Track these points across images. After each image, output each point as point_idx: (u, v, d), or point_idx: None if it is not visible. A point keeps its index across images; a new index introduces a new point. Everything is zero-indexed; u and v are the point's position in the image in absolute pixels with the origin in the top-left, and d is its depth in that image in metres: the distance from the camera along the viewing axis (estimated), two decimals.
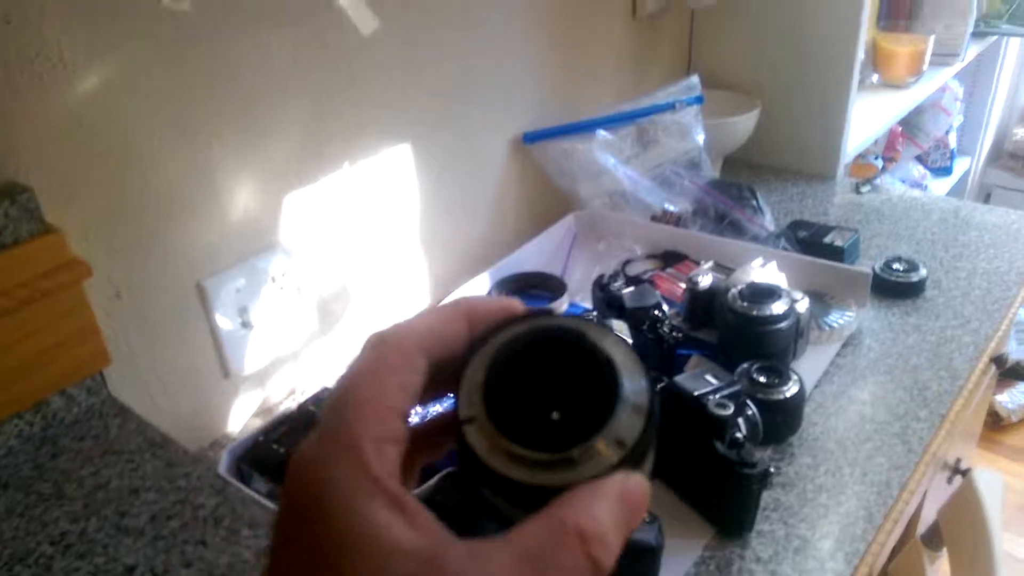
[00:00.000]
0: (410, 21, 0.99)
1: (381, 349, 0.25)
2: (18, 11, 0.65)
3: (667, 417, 0.78)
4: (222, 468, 0.73)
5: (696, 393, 0.75)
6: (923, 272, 1.11)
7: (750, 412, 0.79)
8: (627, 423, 0.24)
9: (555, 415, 0.24)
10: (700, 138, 1.31)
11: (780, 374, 0.85)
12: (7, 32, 0.65)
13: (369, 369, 0.24)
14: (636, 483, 0.23)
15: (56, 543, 0.59)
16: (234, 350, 0.87)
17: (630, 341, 0.26)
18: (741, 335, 0.90)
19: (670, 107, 1.29)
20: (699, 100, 1.31)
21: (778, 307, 0.89)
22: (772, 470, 0.76)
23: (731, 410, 0.74)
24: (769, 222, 1.21)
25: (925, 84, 1.87)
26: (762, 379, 0.84)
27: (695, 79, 1.32)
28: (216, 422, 0.90)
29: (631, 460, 0.24)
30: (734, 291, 0.92)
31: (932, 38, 1.82)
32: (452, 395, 0.25)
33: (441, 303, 0.28)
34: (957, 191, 2.43)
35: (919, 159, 2.33)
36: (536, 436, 0.24)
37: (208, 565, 0.58)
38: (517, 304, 0.27)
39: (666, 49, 1.50)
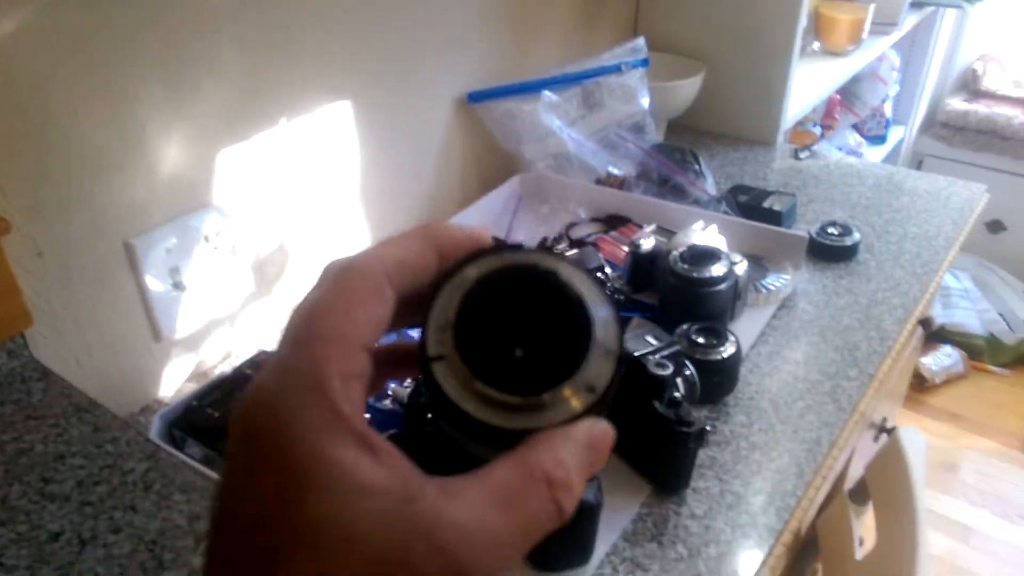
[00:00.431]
0: None
1: (347, 279, 0.23)
2: None
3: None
4: (153, 433, 0.71)
5: (636, 354, 0.76)
6: (857, 236, 1.14)
7: (688, 372, 0.80)
8: (597, 368, 0.24)
9: (527, 357, 0.24)
10: (645, 101, 1.31)
11: (718, 335, 0.86)
12: None
13: (335, 300, 0.23)
14: (602, 430, 0.23)
15: None
16: (165, 312, 0.85)
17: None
18: (681, 297, 0.92)
19: (616, 69, 1.28)
20: (645, 63, 1.30)
21: (717, 269, 0.91)
22: (708, 428, 0.78)
23: (670, 370, 0.75)
24: (711, 186, 1.22)
25: (864, 52, 1.90)
26: (700, 340, 0.85)
27: (641, 41, 1.31)
28: (146, 387, 0.87)
29: (599, 406, 0.23)
30: (675, 254, 0.93)
31: (872, 7, 1.86)
32: (418, 328, 0.25)
33: (405, 229, 0.25)
34: (891, 159, 2.49)
35: (855, 127, 2.39)
36: (508, 378, 0.23)
37: (138, 530, 0.57)
38: (486, 234, 0.26)
39: (613, 11, 1.48)
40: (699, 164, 1.24)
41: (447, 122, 1.20)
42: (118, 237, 0.79)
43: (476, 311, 0.24)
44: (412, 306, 0.25)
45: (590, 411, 0.23)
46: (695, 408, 0.78)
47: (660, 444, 0.76)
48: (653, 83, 1.33)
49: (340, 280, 0.23)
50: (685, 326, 0.87)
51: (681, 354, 0.80)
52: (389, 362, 0.27)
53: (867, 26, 1.87)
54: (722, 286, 0.91)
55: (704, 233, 1.01)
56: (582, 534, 0.69)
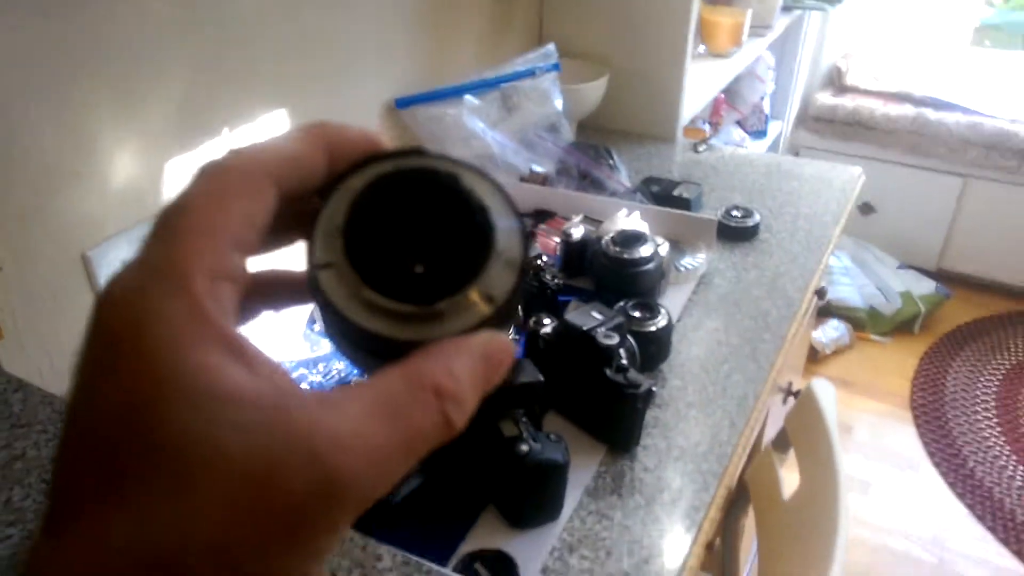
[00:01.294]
0: None
1: (221, 174, 0.21)
2: None
3: (559, 350, 0.86)
4: None
5: (586, 328, 0.84)
6: (757, 218, 1.27)
7: (629, 343, 0.89)
8: (498, 278, 0.22)
9: (422, 265, 0.22)
10: (559, 103, 1.39)
11: (651, 309, 0.95)
12: None
13: (205, 194, 0.20)
14: (501, 342, 0.22)
15: None
16: None
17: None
18: (615, 277, 1.00)
19: (530, 73, 1.36)
20: (556, 67, 1.39)
21: (645, 250, 1.00)
22: (653, 389, 0.86)
23: (616, 340, 0.83)
24: (625, 179, 1.32)
25: (744, 54, 2.07)
26: (636, 314, 0.94)
27: (551, 47, 1.40)
28: None
29: (499, 318, 0.22)
30: (607, 238, 1.01)
31: (749, 12, 2.02)
32: (304, 238, 0.23)
33: (299, 126, 0.23)
34: (771, 152, 2.70)
35: (739, 123, 2.58)
36: (401, 286, 0.22)
37: None
38: (382, 138, 0.24)
39: (520, 18, 1.57)
40: (613, 159, 1.34)
41: (376, 127, 1.24)
42: (75, 249, 0.80)
43: (369, 216, 0.22)
44: (300, 214, 0.23)
45: (488, 322, 0.22)
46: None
47: (611, 407, 0.83)
48: (563, 86, 1.42)
49: (213, 176, 0.21)
50: (622, 303, 0.95)
51: (623, 326, 0.88)
52: (269, 288, 0.25)
53: (746, 29, 2.04)
54: (650, 265, 1.00)
55: (628, 220, 1.10)
56: (553, 492, 0.76)
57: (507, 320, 0.23)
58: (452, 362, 0.21)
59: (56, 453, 0.18)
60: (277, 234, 0.23)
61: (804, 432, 1.00)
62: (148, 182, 0.87)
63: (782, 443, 1.06)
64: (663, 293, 1.08)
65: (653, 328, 0.94)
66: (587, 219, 1.16)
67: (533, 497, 0.75)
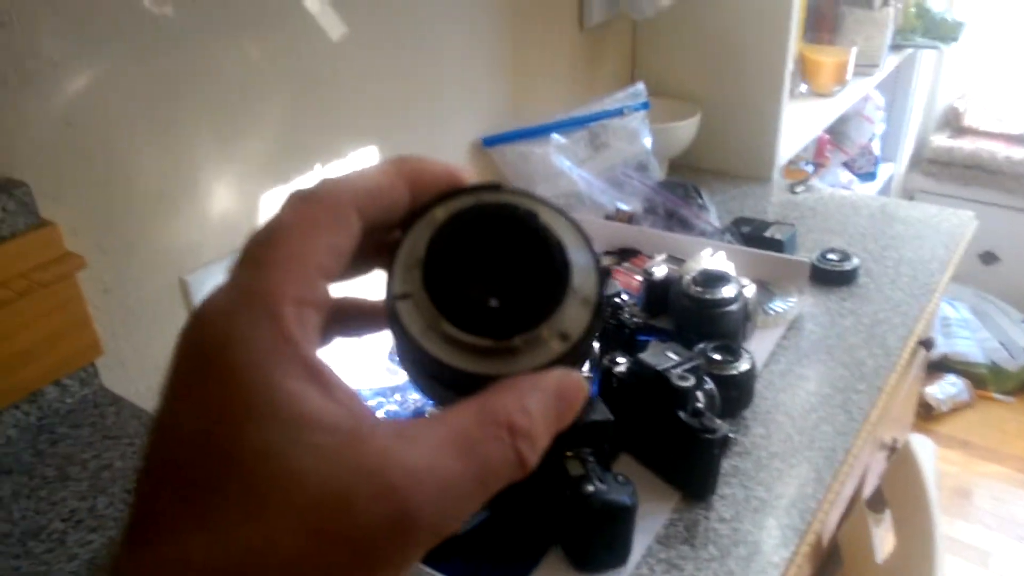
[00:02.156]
0: (375, 29, 1.03)
1: (310, 204, 0.22)
2: (11, 15, 0.68)
3: (632, 390, 0.84)
4: None
5: (660, 368, 0.82)
6: (855, 261, 1.21)
7: (708, 386, 0.86)
8: (573, 316, 0.23)
9: (499, 300, 0.22)
10: (647, 141, 1.39)
11: (733, 352, 0.92)
12: (0, 35, 0.68)
13: (295, 224, 0.21)
14: (575, 380, 0.22)
15: (67, 519, 0.62)
16: None
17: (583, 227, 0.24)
18: (696, 318, 0.98)
19: (619, 112, 1.36)
20: (645, 106, 1.39)
21: (728, 291, 0.97)
22: (731, 436, 0.83)
23: (692, 382, 0.80)
24: (714, 218, 1.29)
25: (849, 94, 2.00)
26: (717, 357, 0.91)
27: (641, 86, 1.40)
28: None
29: (573, 355, 0.22)
30: (688, 278, 0.99)
31: (854, 50, 1.96)
32: (385, 267, 0.23)
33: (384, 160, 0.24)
34: (882, 195, 2.58)
35: (846, 165, 2.48)
36: (476, 320, 0.22)
37: None
38: (464, 172, 0.25)
39: (611, 58, 1.58)
40: (702, 198, 1.31)
41: (464, 165, 1.27)
42: (175, 273, 0.85)
43: (448, 250, 0.22)
44: (383, 244, 0.23)
45: (562, 360, 0.22)
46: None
47: (686, 452, 0.81)
48: (653, 124, 1.42)
49: (303, 205, 0.22)
50: (702, 344, 0.92)
51: (701, 368, 0.85)
52: (345, 314, 0.26)
53: (850, 68, 1.97)
54: (733, 306, 0.97)
55: (713, 259, 1.08)
56: (619, 535, 0.74)
57: (581, 358, 0.23)
58: (526, 399, 0.21)
59: (140, 465, 0.19)
60: (358, 262, 0.23)
61: (900, 491, 0.93)
62: (243, 212, 0.92)
63: (878, 502, 0.99)
64: (748, 336, 1.04)
65: (734, 372, 0.90)
66: (671, 258, 1.14)
67: (598, 539, 0.73)
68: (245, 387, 0.18)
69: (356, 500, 0.18)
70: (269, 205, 0.95)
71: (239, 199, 0.91)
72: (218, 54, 0.85)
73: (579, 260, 0.23)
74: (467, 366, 0.22)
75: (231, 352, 0.19)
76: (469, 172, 0.25)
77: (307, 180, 0.99)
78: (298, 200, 0.22)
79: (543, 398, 0.21)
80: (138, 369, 0.84)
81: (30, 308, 0.69)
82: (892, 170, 2.64)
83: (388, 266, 0.23)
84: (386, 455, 0.18)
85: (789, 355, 1.05)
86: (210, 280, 0.88)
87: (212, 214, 0.88)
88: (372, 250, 0.23)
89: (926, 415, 2.40)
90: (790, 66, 1.49)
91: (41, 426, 0.72)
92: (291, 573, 0.17)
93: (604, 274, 0.25)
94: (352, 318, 0.26)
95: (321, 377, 0.19)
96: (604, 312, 0.23)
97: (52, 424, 0.72)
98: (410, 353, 0.22)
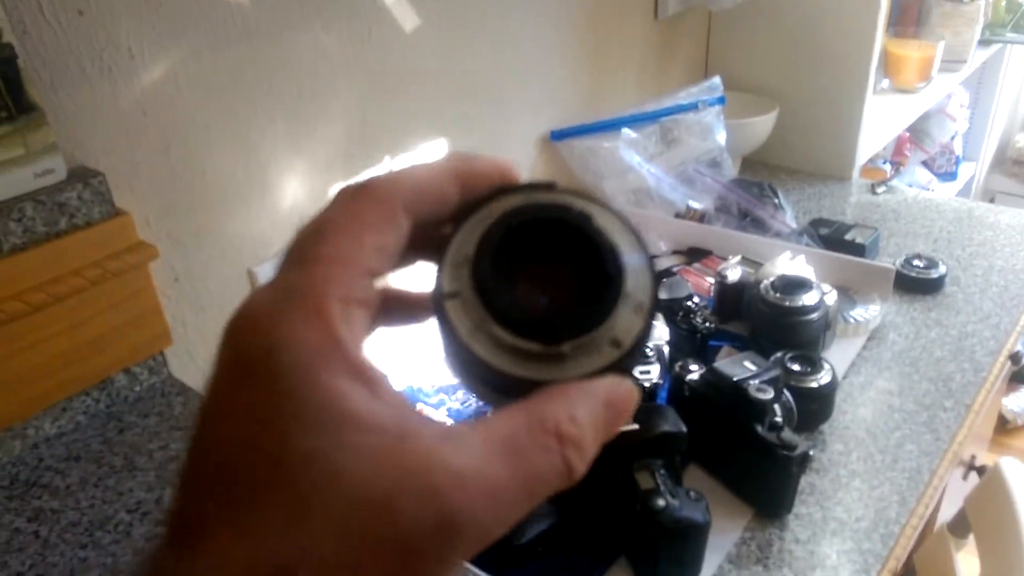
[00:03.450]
0: (447, 20, 1.01)
1: (359, 201, 0.21)
2: (90, 3, 0.68)
3: (706, 401, 0.80)
4: None
5: (736, 378, 0.78)
6: (942, 269, 1.14)
7: (785, 399, 0.81)
8: (626, 322, 0.22)
9: (549, 303, 0.22)
10: (721, 138, 1.34)
11: (813, 363, 0.87)
12: (80, 23, 0.68)
13: (343, 221, 0.21)
14: (625, 389, 0.21)
15: (133, 511, 0.62)
16: None
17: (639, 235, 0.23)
18: (773, 325, 0.93)
19: (693, 107, 1.32)
20: (721, 101, 1.34)
21: (810, 298, 0.92)
22: (811, 453, 0.79)
23: (771, 394, 0.76)
24: (791, 219, 1.24)
25: (933, 90, 1.90)
26: (796, 367, 0.87)
27: (717, 80, 1.35)
28: None
29: (624, 362, 0.22)
30: (766, 283, 0.95)
31: (941, 44, 1.86)
32: (433, 262, 0.23)
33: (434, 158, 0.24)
34: (962, 196, 2.46)
35: (925, 164, 2.37)
36: (527, 323, 0.21)
37: None
38: (515, 169, 0.24)
39: (685, 50, 1.53)
40: (778, 197, 1.26)
41: (531, 159, 1.25)
42: (243, 265, 0.85)
43: (498, 249, 0.22)
44: (430, 241, 0.23)
45: (614, 367, 0.21)
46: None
47: (762, 468, 0.77)
48: (727, 120, 1.36)
49: (351, 202, 0.21)
50: (780, 353, 0.88)
51: (779, 380, 0.81)
52: (392, 305, 0.25)
53: (936, 63, 1.87)
54: (814, 315, 0.92)
55: (791, 264, 1.03)
56: (691, 553, 0.71)
57: (631, 365, 0.22)
58: (575, 407, 0.20)
59: (182, 464, 0.19)
60: (405, 256, 0.23)
61: (988, 516, 0.88)
62: (312, 205, 0.91)
63: (961, 526, 0.93)
64: (828, 346, 0.99)
65: (814, 384, 0.86)
66: (745, 260, 1.09)
67: (668, 557, 0.70)
68: (291, 390, 0.18)
69: (399, 502, 0.17)
70: None
71: (308, 191, 0.90)
72: (291, 45, 0.84)
73: (633, 264, 0.22)
74: (514, 370, 0.21)
75: (277, 352, 0.18)
76: (520, 169, 0.24)
77: (376, 174, 0.98)
78: (346, 197, 0.22)
79: (593, 407, 0.21)
80: (205, 359, 0.84)
81: (103, 296, 0.69)
82: (973, 170, 2.52)
83: (437, 262, 0.22)
84: (431, 457, 0.18)
85: (870, 367, 1.00)
86: None
87: (281, 206, 0.87)
88: (420, 244, 0.23)
89: (1001, 428, 2.28)
90: (876, 61, 1.41)
91: (110, 413, 0.72)
92: (332, 574, 0.17)
93: (659, 280, 0.23)
94: (396, 309, 0.25)
95: (367, 377, 0.19)
96: (656, 318, 0.22)
97: (120, 412, 0.72)
98: (457, 353, 0.21)
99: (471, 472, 0.18)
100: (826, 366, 0.87)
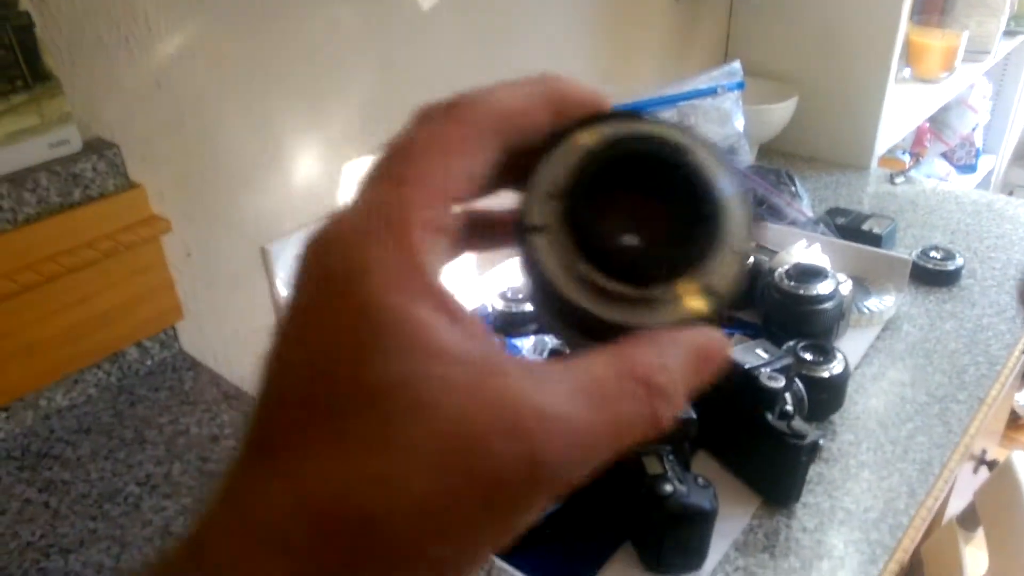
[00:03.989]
0: (466, 0, 1.00)
1: (448, 122, 0.20)
2: None
3: (717, 387, 0.80)
4: None
5: (748, 366, 0.77)
6: (959, 261, 1.13)
7: (797, 387, 0.81)
8: (721, 269, 0.20)
9: (643, 244, 0.21)
10: (739, 124, 1.32)
11: (826, 353, 0.86)
12: None
13: (431, 142, 0.20)
14: (717, 340, 0.20)
15: (143, 484, 0.62)
16: None
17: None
18: (786, 314, 0.92)
19: (712, 92, 1.30)
20: (740, 86, 1.32)
21: (825, 287, 0.91)
22: (820, 442, 0.78)
23: (782, 383, 0.76)
24: (807, 207, 1.22)
25: (955, 81, 1.87)
26: (808, 356, 0.86)
27: (736, 65, 1.33)
28: None
29: (716, 312, 0.20)
30: (781, 271, 0.94)
31: (965, 34, 1.83)
32: (518, 190, 0.21)
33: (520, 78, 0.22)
34: (981, 189, 2.43)
35: (945, 155, 2.34)
36: (617, 264, 0.20)
37: None
38: (608, 98, 0.23)
39: (705, 34, 1.51)
40: (795, 185, 1.25)
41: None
42: (255, 242, 0.85)
43: (590, 182, 0.21)
44: (514, 169, 0.21)
45: (707, 316, 0.20)
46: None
47: (771, 457, 0.76)
48: (746, 106, 1.35)
49: (440, 123, 0.20)
50: (792, 342, 0.87)
51: (791, 368, 0.80)
52: (473, 227, 0.24)
53: (960, 54, 1.84)
54: (828, 304, 0.91)
55: (807, 252, 1.02)
56: (697, 540, 0.71)
57: (725, 314, 0.21)
58: (666, 355, 0.19)
59: (260, 387, 0.18)
60: (489, 184, 0.22)
61: (998, 510, 0.87)
62: (326, 183, 0.91)
63: (970, 519, 0.93)
64: (841, 335, 0.99)
65: (826, 374, 0.85)
66: (760, 247, 1.08)
67: (674, 542, 0.70)
68: (375, 314, 0.17)
69: (487, 438, 0.17)
70: (351, 176, 0.93)
71: (321, 170, 0.90)
72: (308, 23, 0.83)
73: (733, 208, 0.21)
74: (603, 313, 0.20)
75: (361, 275, 0.18)
76: (610, 99, 0.22)
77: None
78: (437, 116, 0.21)
79: (683, 357, 0.20)
80: (216, 335, 0.84)
81: (115, 269, 0.69)
82: (993, 163, 2.48)
83: (523, 192, 0.21)
84: (519, 394, 0.17)
85: (883, 358, 0.99)
86: (290, 249, 0.87)
87: (294, 184, 0.87)
88: (505, 171, 0.21)
89: (1012, 423, 2.27)
90: (898, 49, 1.39)
91: (121, 387, 0.72)
92: (417, 508, 0.16)
93: (758, 225, 0.22)
94: (474, 233, 0.24)
95: (450, 308, 0.18)
96: (749, 265, 0.21)
97: (131, 385, 0.73)
98: (541, 290, 0.20)
99: (559, 415, 0.18)
100: (839, 356, 0.86)
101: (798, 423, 0.75)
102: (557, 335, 0.23)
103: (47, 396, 0.70)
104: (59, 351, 0.68)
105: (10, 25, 0.61)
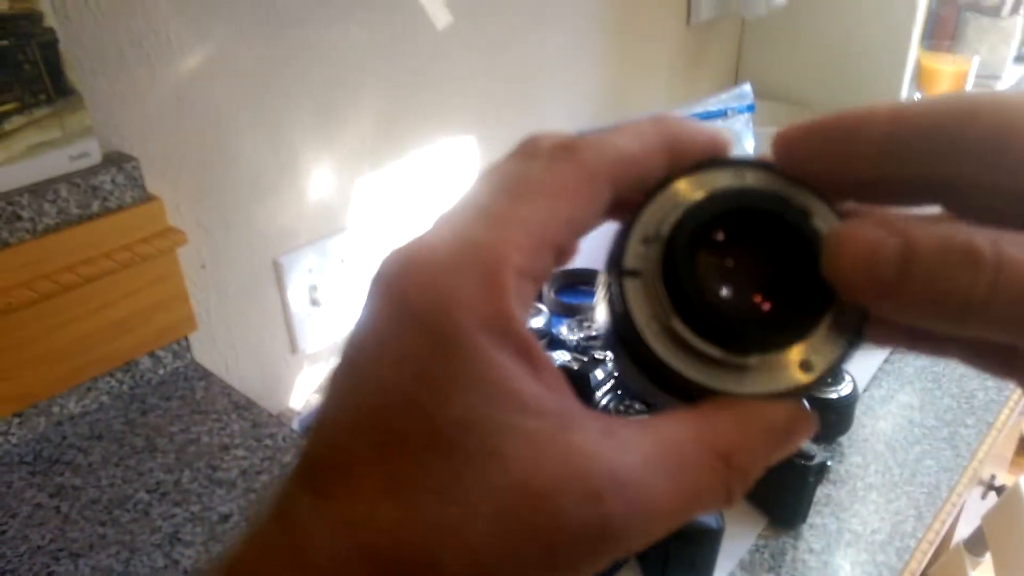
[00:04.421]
0: (479, 18, 1.02)
1: (566, 165, 0.19)
2: None
3: None
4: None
5: None
6: None
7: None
8: (824, 344, 0.19)
9: (743, 306, 0.20)
10: (750, 146, 1.33)
11: (834, 374, 0.86)
12: (120, 9, 0.69)
13: (545, 184, 0.19)
14: (806, 421, 0.20)
15: (152, 491, 0.63)
16: (302, 327, 0.91)
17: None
18: None
19: (722, 114, 1.31)
20: (751, 109, 1.33)
21: None
22: (828, 463, 0.78)
23: None
24: None
25: None
26: None
27: (747, 88, 1.34)
28: (281, 395, 0.93)
29: (810, 389, 0.19)
30: None
31: (976, 59, 1.84)
32: (619, 223, 0.21)
33: (639, 119, 0.21)
34: None
35: None
36: (713, 324, 0.19)
37: None
38: (730, 142, 0.22)
39: (715, 57, 1.52)
40: None
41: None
42: (268, 255, 0.86)
43: (698, 234, 0.19)
44: (621, 205, 0.21)
45: (798, 392, 0.19)
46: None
47: (778, 477, 0.76)
48: (757, 128, 1.36)
49: (558, 163, 0.19)
50: None
51: None
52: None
53: (971, 79, 1.85)
54: None
55: None
56: (702, 558, 0.70)
57: (818, 392, 0.20)
58: (751, 433, 0.19)
59: (323, 408, 0.18)
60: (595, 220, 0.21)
61: (1006, 536, 0.87)
62: (339, 198, 0.92)
63: (977, 544, 0.92)
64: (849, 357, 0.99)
65: (834, 395, 0.85)
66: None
67: (679, 560, 0.70)
68: (456, 354, 0.17)
69: (559, 499, 0.16)
70: (364, 191, 0.95)
71: (335, 185, 0.91)
72: (325, 39, 0.84)
73: None
74: (687, 372, 0.19)
75: (447, 313, 0.17)
76: (728, 142, 0.21)
77: (403, 169, 0.98)
78: (550, 155, 0.19)
79: (768, 436, 0.19)
80: (228, 346, 0.85)
81: (131, 279, 0.70)
82: None
83: (622, 232, 0.20)
84: (594, 455, 0.17)
85: (892, 380, 0.99)
86: (303, 262, 0.89)
87: (308, 198, 0.88)
88: (609, 209, 0.21)
89: (1021, 449, 2.25)
90: (909, 74, 1.40)
91: (133, 395, 0.73)
92: (478, 558, 0.16)
93: (867, 311, 0.20)
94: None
95: (533, 357, 0.18)
96: (857, 349, 0.19)
97: (143, 394, 0.74)
98: (626, 339, 0.19)
99: (634, 480, 0.17)
100: (847, 378, 0.86)
101: (806, 444, 0.75)
102: (634, 385, 0.21)
103: (60, 403, 0.71)
104: (74, 359, 0.69)
105: (35, 41, 0.63)
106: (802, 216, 0.20)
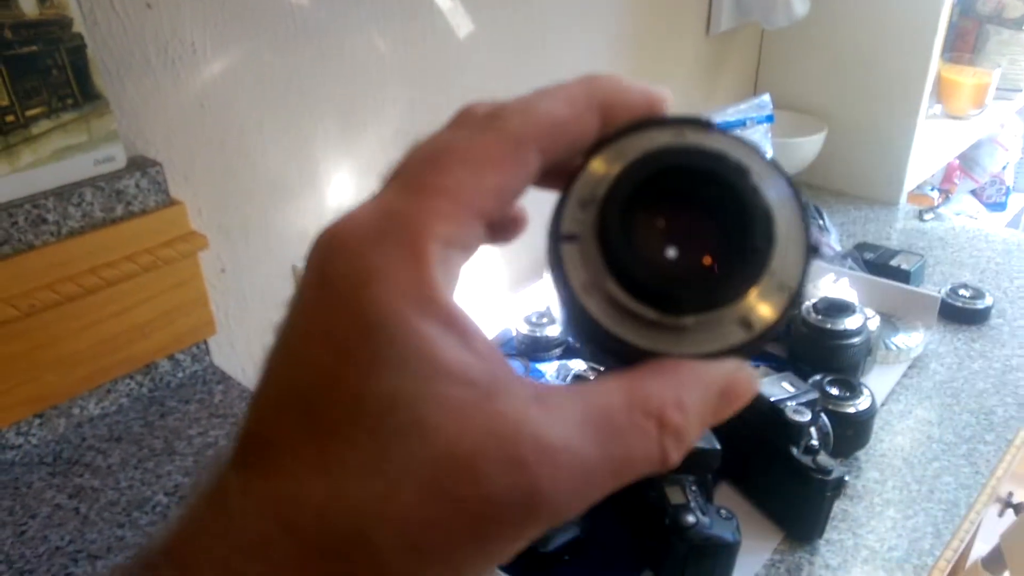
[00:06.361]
0: (500, 28, 1.02)
1: (488, 131, 0.19)
2: None
3: (741, 420, 0.80)
4: None
5: (774, 399, 0.77)
6: (989, 300, 1.12)
7: (822, 422, 0.80)
8: (763, 302, 0.19)
9: (679, 266, 0.19)
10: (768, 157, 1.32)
11: (853, 388, 0.86)
12: (147, 16, 0.70)
13: (467, 152, 0.19)
14: (745, 379, 0.19)
15: (171, 494, 0.63)
16: None
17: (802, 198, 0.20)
18: (813, 348, 0.92)
19: (741, 124, 1.31)
20: (769, 119, 1.32)
21: (852, 322, 0.91)
22: (845, 478, 0.77)
23: (808, 417, 0.75)
24: (836, 242, 1.22)
25: (986, 118, 1.86)
26: (834, 391, 0.85)
27: (766, 98, 1.34)
28: None
29: (751, 347, 0.19)
30: (808, 304, 0.94)
31: (997, 71, 1.83)
32: (557, 191, 0.20)
33: (569, 81, 0.20)
34: (1011, 228, 2.41)
35: (974, 193, 2.32)
36: (647, 286, 0.18)
37: None
38: (663, 98, 0.21)
39: (734, 67, 1.52)
40: (823, 219, 1.25)
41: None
42: (288, 260, 0.86)
43: (632, 195, 0.19)
44: (554, 171, 0.20)
45: (738, 350, 0.19)
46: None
47: (795, 491, 0.76)
48: (775, 139, 1.35)
49: (480, 130, 0.19)
50: (818, 376, 0.87)
51: (817, 403, 0.80)
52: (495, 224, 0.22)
53: (991, 91, 1.84)
54: (856, 339, 0.91)
55: (834, 286, 1.02)
56: (718, 572, 0.70)
57: (759, 351, 0.19)
58: (685, 392, 0.18)
59: (257, 387, 0.18)
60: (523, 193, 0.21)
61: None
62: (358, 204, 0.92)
63: (995, 562, 0.91)
64: (867, 371, 0.98)
65: (852, 410, 0.84)
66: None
67: (695, 573, 0.69)
68: (379, 328, 0.17)
69: (484, 466, 0.16)
70: None
71: (355, 191, 0.91)
72: (347, 46, 0.85)
73: (787, 236, 0.19)
74: (625, 335, 0.19)
75: (367, 285, 0.17)
76: (670, 100, 0.21)
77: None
78: (477, 124, 0.19)
79: (704, 395, 0.18)
80: (246, 350, 0.86)
81: (153, 283, 0.71)
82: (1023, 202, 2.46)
83: (560, 198, 0.20)
84: (521, 422, 0.17)
85: (910, 395, 0.98)
86: None
87: (328, 204, 0.89)
88: (545, 175, 0.20)
89: None
90: (929, 86, 1.39)
91: (152, 398, 0.74)
92: (404, 530, 0.16)
93: (813, 259, 0.19)
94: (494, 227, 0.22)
95: (459, 325, 0.17)
96: (800, 305, 0.19)
97: (163, 397, 0.74)
98: (565, 303, 0.19)
99: (560, 446, 0.17)
100: (865, 392, 0.86)
101: (823, 458, 0.74)
102: (579, 347, 0.21)
103: (80, 404, 0.71)
104: (94, 362, 0.70)
105: (64, 47, 0.64)
106: (739, 174, 0.19)
